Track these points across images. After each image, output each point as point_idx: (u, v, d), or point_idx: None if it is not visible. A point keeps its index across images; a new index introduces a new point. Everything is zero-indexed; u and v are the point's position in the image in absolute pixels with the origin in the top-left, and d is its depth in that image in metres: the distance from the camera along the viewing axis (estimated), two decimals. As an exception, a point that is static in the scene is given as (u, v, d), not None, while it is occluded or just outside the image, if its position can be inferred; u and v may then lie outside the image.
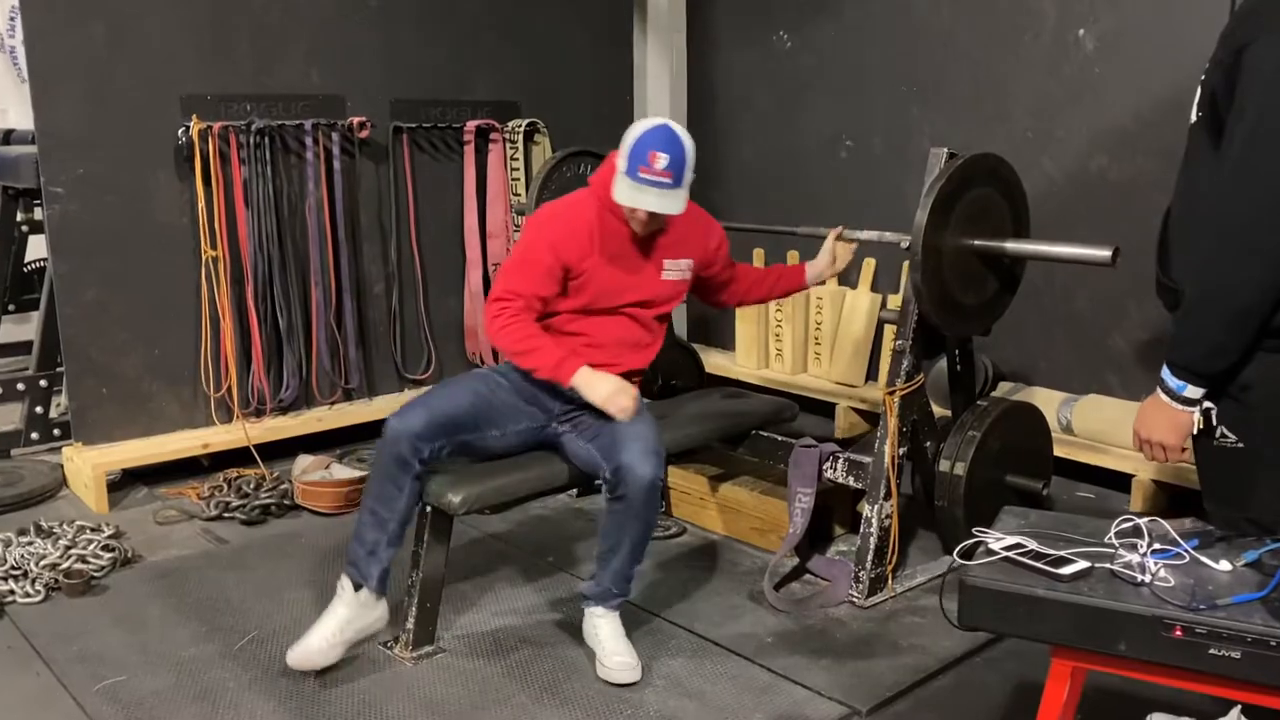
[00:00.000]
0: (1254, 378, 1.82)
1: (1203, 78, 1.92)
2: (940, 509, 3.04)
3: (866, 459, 3.00)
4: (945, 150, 2.88)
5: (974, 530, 1.58)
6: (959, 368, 3.14)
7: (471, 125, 4.54)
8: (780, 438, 3.25)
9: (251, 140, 3.93)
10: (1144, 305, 3.81)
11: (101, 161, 3.72)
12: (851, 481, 3.04)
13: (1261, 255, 1.73)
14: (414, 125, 4.43)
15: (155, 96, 3.80)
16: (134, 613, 2.93)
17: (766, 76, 4.97)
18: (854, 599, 2.95)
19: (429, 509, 2.65)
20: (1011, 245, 2.75)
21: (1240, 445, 1.83)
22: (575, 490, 3.64)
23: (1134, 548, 1.49)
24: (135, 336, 3.87)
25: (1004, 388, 4.15)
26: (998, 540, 1.52)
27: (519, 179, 4.67)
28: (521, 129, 4.63)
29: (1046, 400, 3.91)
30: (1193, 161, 1.95)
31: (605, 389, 2.62)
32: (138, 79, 3.75)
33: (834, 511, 3.39)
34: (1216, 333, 1.77)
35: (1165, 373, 1.87)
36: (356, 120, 4.18)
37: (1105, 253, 2.54)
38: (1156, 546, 1.49)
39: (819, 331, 4.72)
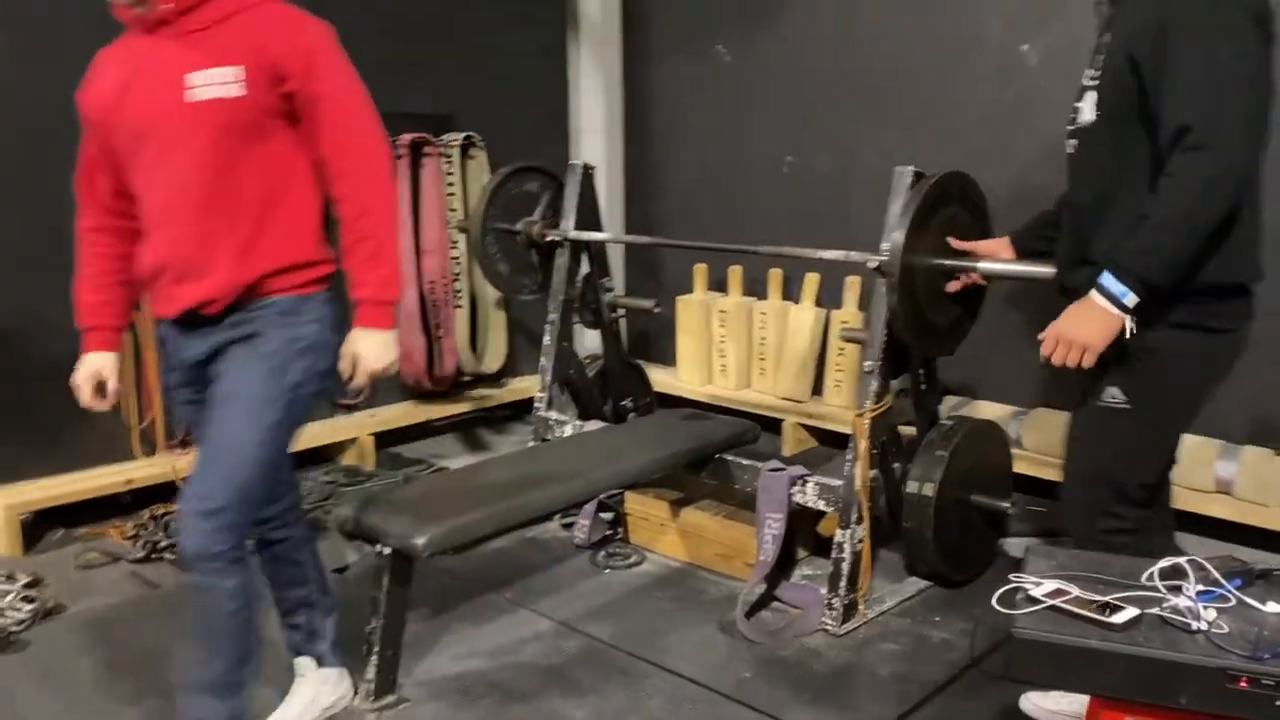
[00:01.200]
0: (1159, 344, 2.06)
1: (1094, 80, 2.13)
2: (909, 530, 3.00)
3: (837, 482, 2.93)
4: (911, 169, 2.84)
5: (1011, 576, 1.51)
6: (923, 386, 3.10)
7: (405, 139, 4.37)
8: (746, 461, 3.18)
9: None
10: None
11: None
12: (822, 505, 2.98)
13: (1235, 173, 1.91)
14: (345, 139, 4.23)
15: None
16: (61, 669, 2.71)
17: (706, 91, 4.91)
18: (828, 626, 2.88)
19: (389, 551, 2.50)
20: (984, 265, 2.71)
21: (1127, 407, 2.10)
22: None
23: (1178, 590, 1.44)
24: (48, 364, 3.62)
25: (950, 402, 4.14)
26: (1037, 586, 1.46)
27: (454, 194, 4.52)
28: (458, 143, 4.48)
29: (994, 415, 3.91)
30: (1097, 157, 2.18)
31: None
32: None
33: (796, 534, 3.32)
34: (1182, 246, 1.94)
35: (1108, 278, 2.01)
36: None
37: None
38: (1200, 588, 1.44)
39: (763, 347, 4.66)
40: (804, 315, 4.55)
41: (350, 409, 4.44)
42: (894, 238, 2.67)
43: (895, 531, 3.05)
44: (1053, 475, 3.73)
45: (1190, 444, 3.50)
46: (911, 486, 2.96)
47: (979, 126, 4.05)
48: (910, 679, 2.64)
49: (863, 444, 2.85)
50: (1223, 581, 1.45)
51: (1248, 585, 1.45)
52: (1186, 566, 1.48)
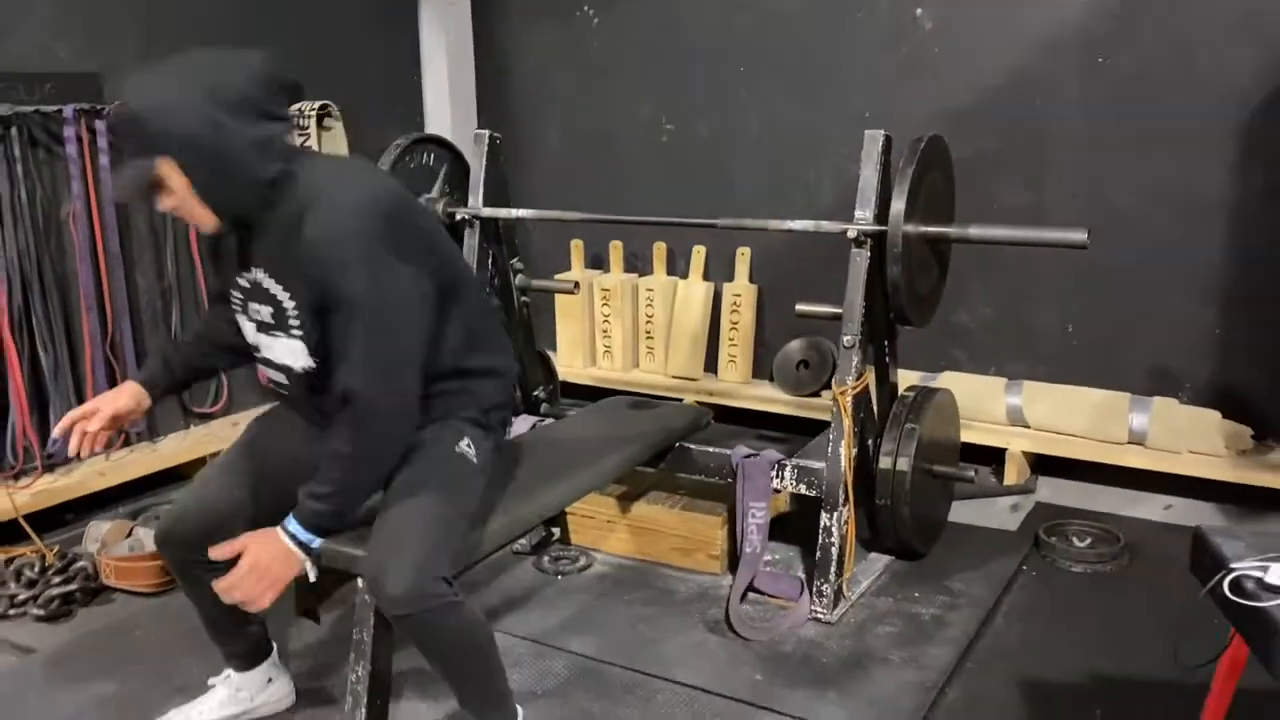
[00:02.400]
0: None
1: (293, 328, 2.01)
2: (883, 507, 2.92)
3: (819, 464, 2.80)
4: (883, 133, 2.73)
5: (1230, 566, 1.41)
6: (887, 358, 3.03)
7: (256, 109, 3.86)
8: (711, 449, 2.99)
9: (-10, 131, 3.08)
10: (987, 281, 3.91)
11: None
12: (804, 489, 2.84)
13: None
14: (187, 110, 3.69)
15: None
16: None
17: (569, 55, 4.64)
18: (820, 615, 2.76)
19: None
20: (977, 231, 2.64)
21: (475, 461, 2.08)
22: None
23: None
24: None
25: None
26: (1267, 572, 1.37)
27: (313, 171, 4.04)
28: (313, 112, 4.01)
29: (902, 380, 3.91)
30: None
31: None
32: None
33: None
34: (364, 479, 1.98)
35: (296, 526, 1.94)
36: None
37: (1081, 235, 2.49)
38: None
39: (650, 325, 4.49)
40: (694, 290, 4.40)
41: (206, 418, 3.90)
42: (896, 207, 2.54)
43: (867, 508, 2.95)
44: (968, 437, 3.77)
45: (1099, 398, 3.63)
46: (884, 462, 2.88)
47: (868, 90, 4.01)
48: (922, 663, 2.56)
49: (847, 422, 2.73)
50: None
51: None
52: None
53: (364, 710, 2.16)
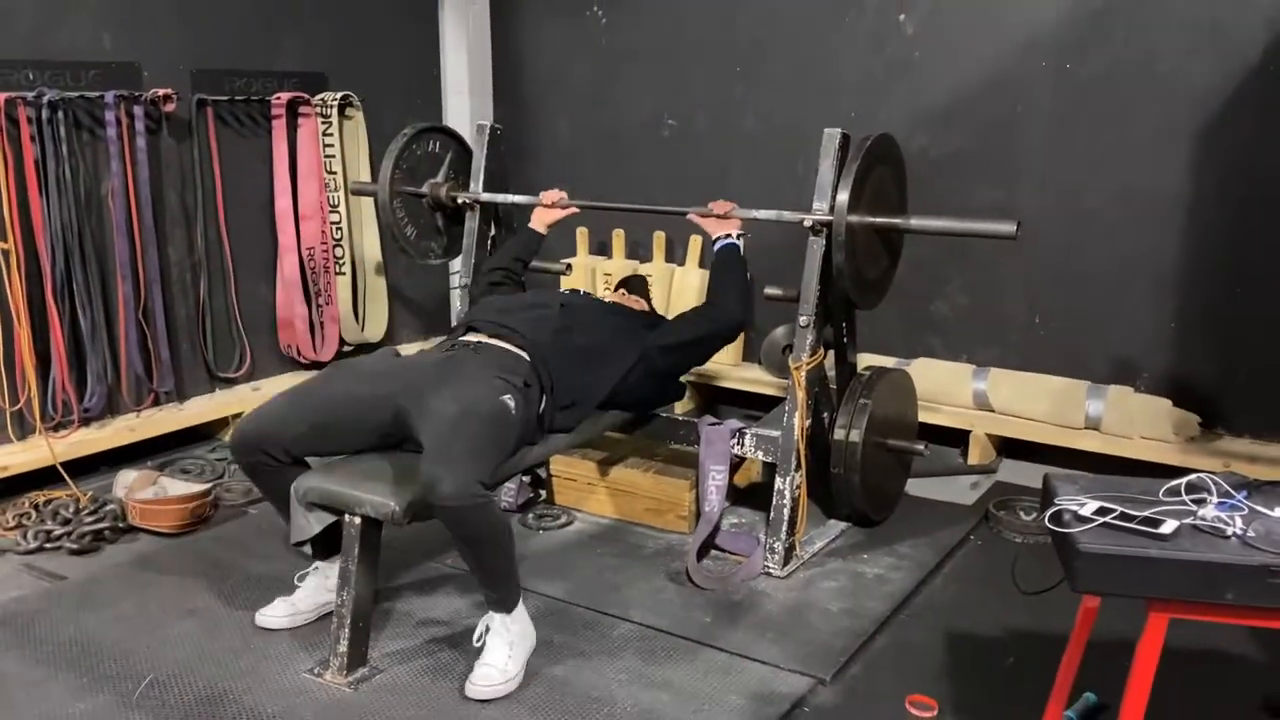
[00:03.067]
0: None
1: None
2: (837, 475, 3.16)
3: (775, 433, 3.06)
4: (840, 131, 2.97)
5: (1055, 500, 1.66)
6: (845, 339, 3.27)
7: (282, 98, 4.18)
8: (682, 417, 3.26)
9: (42, 115, 3.41)
10: (964, 272, 4.13)
11: None
12: (760, 455, 3.10)
13: None
14: (219, 98, 4.01)
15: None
16: (-16, 671, 2.50)
17: (580, 52, 4.91)
18: (771, 570, 3.02)
19: (358, 519, 2.44)
20: (916, 221, 2.88)
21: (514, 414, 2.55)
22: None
23: (1201, 502, 1.63)
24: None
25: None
26: (1082, 506, 1.61)
27: (334, 156, 4.36)
28: (335, 102, 4.31)
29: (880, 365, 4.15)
30: None
31: None
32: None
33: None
34: None
35: None
36: (161, 92, 3.73)
37: (1010, 227, 2.71)
38: (1218, 500, 1.63)
39: (649, 308, 4.74)
40: (689, 277, 4.66)
41: (231, 382, 4.23)
42: (839, 199, 2.77)
43: (822, 476, 3.20)
44: (935, 419, 4.01)
45: (1060, 385, 3.85)
46: (839, 434, 3.13)
47: (855, 91, 4.25)
48: (859, 613, 2.81)
49: (800, 395, 2.99)
50: (1233, 493, 1.65)
51: (1253, 495, 1.66)
52: (1201, 482, 1.67)
53: (348, 629, 2.47)
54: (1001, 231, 2.72)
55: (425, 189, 3.64)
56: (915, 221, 2.89)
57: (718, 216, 3.15)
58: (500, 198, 3.57)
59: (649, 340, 3.03)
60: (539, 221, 3.44)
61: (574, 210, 3.44)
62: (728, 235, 3.13)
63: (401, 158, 3.55)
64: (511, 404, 2.56)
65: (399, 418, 2.55)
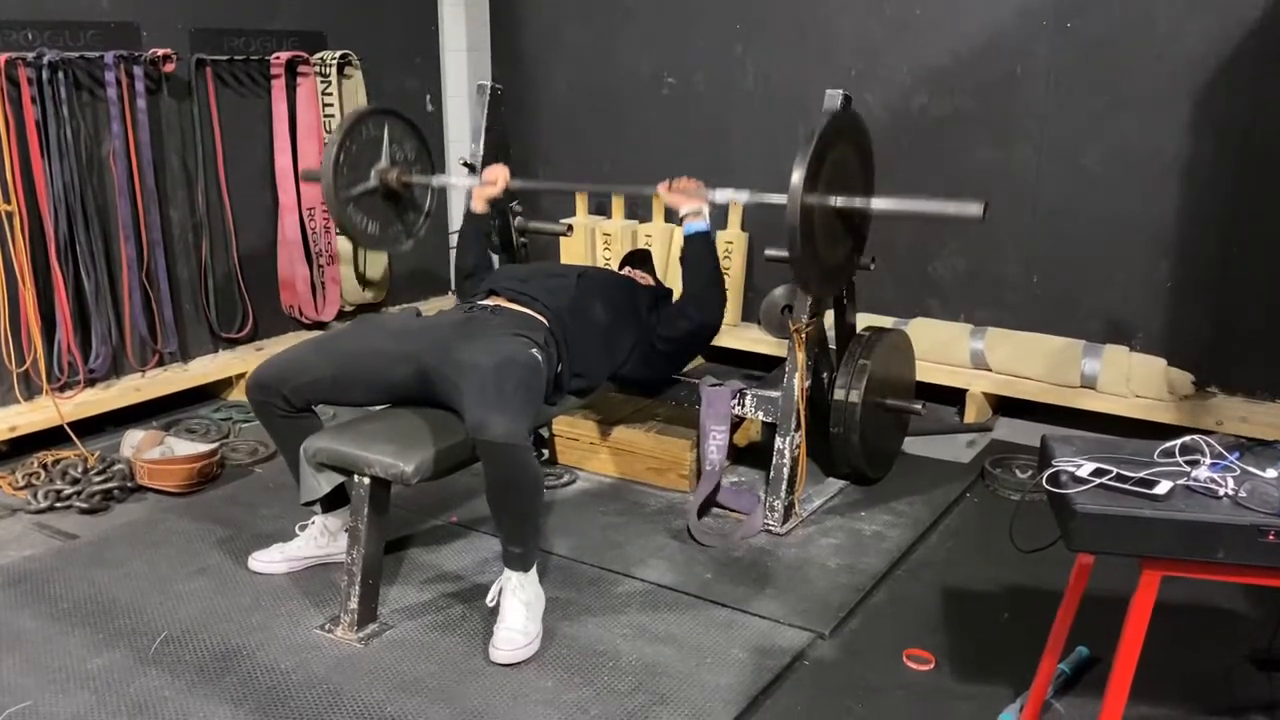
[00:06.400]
0: None
1: None
2: (836, 435, 3.21)
3: (775, 393, 3.10)
4: (841, 91, 2.96)
5: (1053, 461, 1.70)
6: (844, 300, 3.30)
7: (281, 57, 4.16)
8: (682, 378, 3.30)
9: (42, 76, 3.40)
10: (962, 232, 4.15)
11: None
12: (761, 415, 3.14)
13: None
14: (218, 58, 4.00)
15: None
16: (2, 628, 2.55)
17: (579, 9, 4.89)
18: (771, 527, 3.07)
19: (367, 479, 2.48)
20: (880, 203, 2.85)
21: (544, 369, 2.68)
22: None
23: (1195, 464, 1.67)
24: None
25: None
26: (1079, 468, 1.65)
27: (333, 115, 4.36)
28: (334, 61, 4.30)
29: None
30: None
31: None
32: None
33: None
34: None
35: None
36: (161, 52, 3.72)
37: (976, 209, 2.65)
38: (1211, 461, 1.67)
39: (648, 268, 4.76)
40: (689, 236, 4.67)
41: (233, 343, 4.26)
42: (793, 179, 2.64)
43: (821, 435, 3.24)
44: (933, 378, 4.05)
45: (1057, 344, 3.89)
46: (838, 394, 3.17)
47: (855, 49, 4.24)
48: (857, 569, 2.87)
49: (800, 355, 3.02)
50: (1226, 454, 1.69)
51: (1244, 456, 1.70)
52: (1194, 443, 1.72)
53: (358, 586, 2.52)
54: (968, 213, 2.67)
55: (374, 181, 3.43)
56: (878, 203, 2.87)
57: (683, 193, 3.09)
58: (438, 180, 3.54)
59: (656, 328, 3.08)
60: (479, 201, 3.30)
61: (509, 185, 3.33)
62: (698, 213, 3.07)
63: (349, 139, 3.27)
64: (540, 358, 2.64)
65: (420, 375, 2.60)
